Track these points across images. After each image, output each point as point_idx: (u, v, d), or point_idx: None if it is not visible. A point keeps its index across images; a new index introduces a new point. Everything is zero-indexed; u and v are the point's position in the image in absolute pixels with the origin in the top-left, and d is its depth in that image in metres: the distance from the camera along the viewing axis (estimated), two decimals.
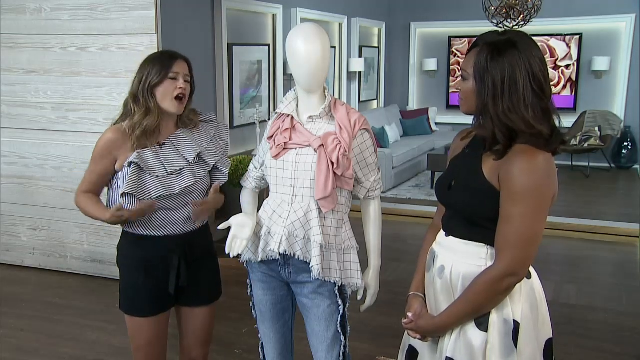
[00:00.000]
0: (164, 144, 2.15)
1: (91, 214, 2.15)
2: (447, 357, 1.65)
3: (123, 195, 2.07)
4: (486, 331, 1.61)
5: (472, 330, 1.62)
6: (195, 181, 2.15)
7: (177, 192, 2.11)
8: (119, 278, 2.27)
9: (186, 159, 2.15)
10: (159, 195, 2.09)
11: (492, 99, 1.54)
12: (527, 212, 1.53)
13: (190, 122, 2.21)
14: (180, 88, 2.08)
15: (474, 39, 1.64)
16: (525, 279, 1.64)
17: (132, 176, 2.06)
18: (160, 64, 2.08)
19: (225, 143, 2.29)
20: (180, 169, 2.13)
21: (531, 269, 1.69)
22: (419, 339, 1.75)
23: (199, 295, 2.27)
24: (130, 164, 2.06)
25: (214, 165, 2.22)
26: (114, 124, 2.16)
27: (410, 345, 1.86)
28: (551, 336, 1.71)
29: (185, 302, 2.27)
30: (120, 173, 2.12)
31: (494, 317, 1.61)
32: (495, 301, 1.60)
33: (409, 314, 1.77)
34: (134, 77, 2.12)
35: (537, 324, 1.65)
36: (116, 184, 2.14)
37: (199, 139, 2.21)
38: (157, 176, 2.09)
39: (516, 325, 1.60)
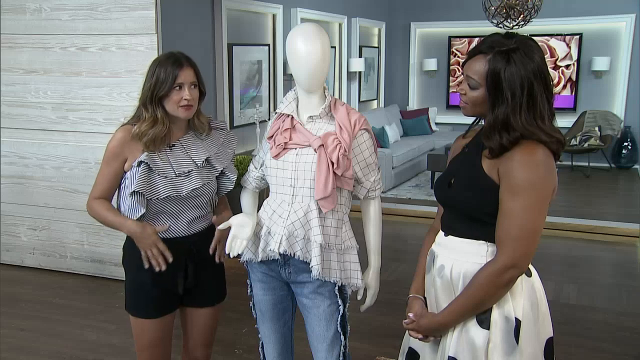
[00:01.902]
0: (173, 145, 2.15)
1: (109, 222, 2.13)
2: (449, 357, 1.65)
3: (132, 194, 2.07)
4: (488, 329, 1.61)
5: (474, 329, 1.63)
6: (203, 184, 2.15)
7: (184, 194, 2.11)
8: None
9: (195, 162, 2.15)
10: (167, 197, 2.09)
11: (511, 112, 1.54)
12: (527, 205, 1.53)
13: (202, 127, 2.20)
14: (186, 99, 2.06)
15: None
16: (525, 276, 1.64)
17: (142, 175, 2.06)
18: (164, 73, 2.05)
19: (232, 151, 2.29)
20: (189, 172, 2.13)
21: (531, 268, 1.70)
22: (420, 339, 1.74)
23: (204, 296, 2.27)
24: (140, 163, 2.06)
25: (221, 171, 2.23)
26: (126, 123, 2.16)
27: (410, 348, 1.86)
28: (552, 335, 1.71)
29: (190, 303, 2.27)
30: (128, 173, 2.11)
31: (496, 315, 1.61)
32: (497, 295, 1.60)
33: (410, 315, 1.77)
34: (144, 79, 2.11)
35: (537, 322, 1.65)
36: (124, 184, 2.14)
37: (208, 144, 2.21)
38: (166, 177, 2.09)
39: (517, 322, 1.61)
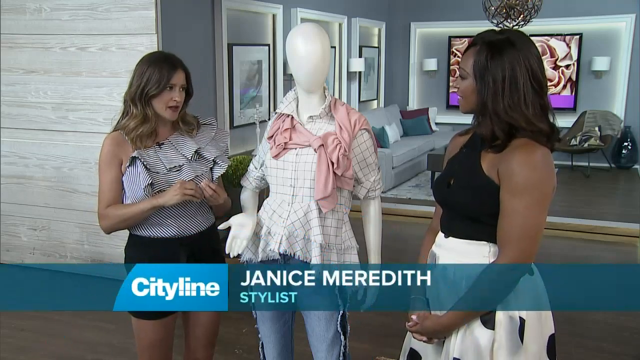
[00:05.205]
0: (162, 144, 2.16)
1: (134, 213, 2.07)
2: (454, 358, 1.65)
3: (147, 187, 2.06)
4: (493, 329, 1.61)
5: (478, 329, 1.62)
6: (197, 176, 2.15)
7: None
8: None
9: (185, 156, 2.15)
10: (159, 190, 2.09)
11: (492, 97, 1.55)
12: (529, 205, 1.54)
13: (189, 127, 2.20)
14: (175, 100, 2.09)
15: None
16: (528, 275, 1.64)
17: (143, 170, 2.06)
18: (159, 73, 2.06)
19: (225, 146, 2.29)
20: (180, 166, 2.14)
21: (533, 266, 1.70)
22: (424, 341, 1.74)
23: None
24: (133, 159, 2.07)
25: (213, 160, 2.22)
26: (114, 129, 2.17)
27: (411, 348, 1.85)
28: (553, 332, 1.72)
29: None
30: (123, 177, 2.11)
31: (500, 315, 1.61)
32: (501, 296, 1.60)
33: (413, 317, 1.76)
34: (132, 77, 2.12)
35: (540, 320, 1.66)
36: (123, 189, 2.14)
37: (198, 139, 2.21)
38: (157, 172, 2.10)
39: (522, 321, 1.61)
